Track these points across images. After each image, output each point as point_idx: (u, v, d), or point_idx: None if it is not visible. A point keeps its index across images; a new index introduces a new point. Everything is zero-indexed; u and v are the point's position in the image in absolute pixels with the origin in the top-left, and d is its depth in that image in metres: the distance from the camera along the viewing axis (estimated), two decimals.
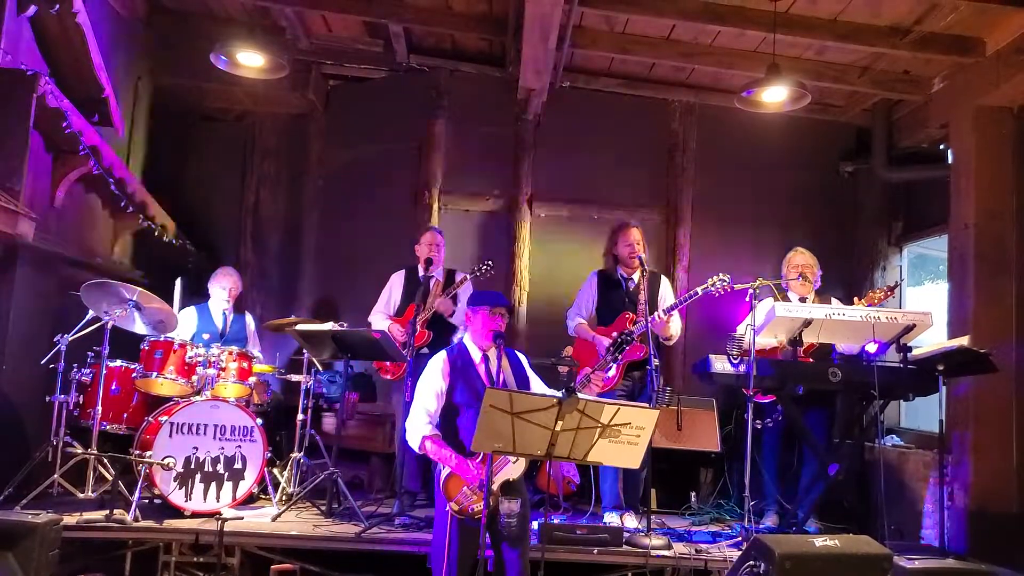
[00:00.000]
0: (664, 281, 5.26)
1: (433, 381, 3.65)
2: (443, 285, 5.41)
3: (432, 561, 3.58)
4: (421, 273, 5.39)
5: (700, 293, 4.82)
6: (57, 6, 4.39)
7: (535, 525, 4.08)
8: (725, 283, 4.76)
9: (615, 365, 4.80)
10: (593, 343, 5.06)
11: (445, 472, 3.51)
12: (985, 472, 5.08)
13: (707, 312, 6.21)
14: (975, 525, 4.99)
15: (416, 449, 3.61)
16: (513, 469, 3.46)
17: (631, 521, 4.82)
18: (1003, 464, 5.08)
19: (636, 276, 5.14)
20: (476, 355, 3.71)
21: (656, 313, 4.91)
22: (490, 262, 5.31)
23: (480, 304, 3.71)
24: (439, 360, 3.70)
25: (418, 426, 3.59)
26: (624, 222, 5.31)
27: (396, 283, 5.52)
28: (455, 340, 3.92)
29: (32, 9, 4.34)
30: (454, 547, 3.41)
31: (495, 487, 3.38)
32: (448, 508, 3.45)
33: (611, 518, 4.83)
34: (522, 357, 3.86)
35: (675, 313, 5.01)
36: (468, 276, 5.29)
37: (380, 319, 5.47)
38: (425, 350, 5.17)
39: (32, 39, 4.63)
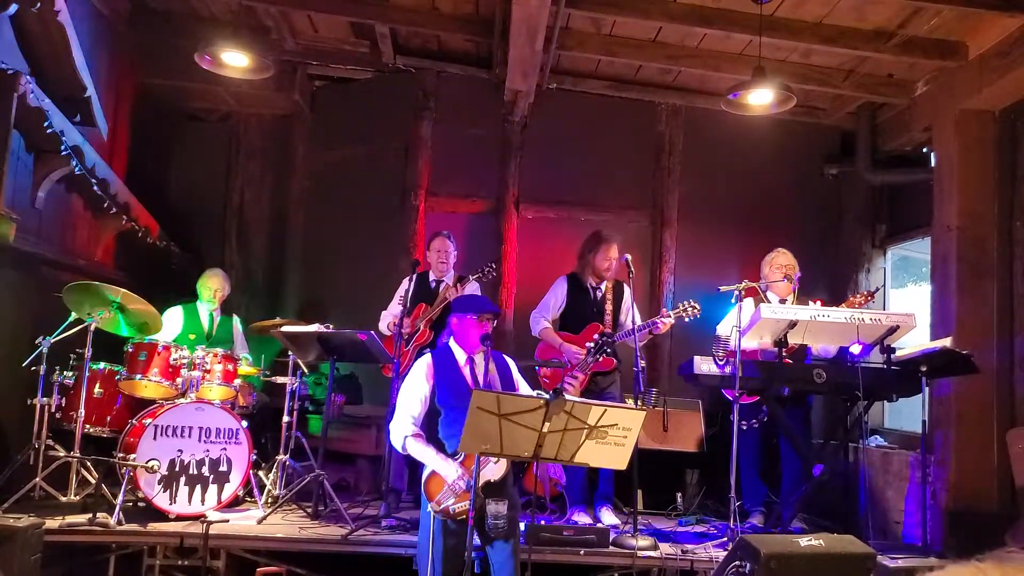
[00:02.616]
0: (627, 290, 5.25)
1: (417, 385, 3.64)
2: (452, 287, 5.41)
3: (418, 561, 3.58)
4: (432, 278, 5.46)
5: (672, 316, 4.91)
6: (38, 4, 4.34)
7: (522, 526, 4.09)
8: (696, 310, 4.88)
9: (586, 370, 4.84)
10: (559, 351, 5.08)
11: (427, 472, 3.51)
12: (967, 472, 5.14)
13: (687, 320, 6.22)
14: (957, 524, 5.04)
15: (399, 450, 3.61)
16: (494, 470, 3.45)
17: (609, 517, 4.89)
18: (984, 464, 5.13)
19: (603, 286, 5.22)
20: (461, 358, 3.70)
21: (659, 319, 4.95)
22: (493, 264, 5.38)
23: (467, 311, 3.69)
24: (422, 363, 3.69)
25: (401, 428, 3.59)
26: (607, 234, 5.25)
27: (407, 287, 5.47)
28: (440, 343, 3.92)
29: (12, 7, 4.29)
30: (438, 547, 3.41)
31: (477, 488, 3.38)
32: (430, 508, 3.44)
33: (580, 517, 4.86)
34: (510, 361, 3.86)
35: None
36: (470, 278, 5.30)
37: (385, 319, 5.45)
38: (427, 350, 5.18)
39: (12, 38, 4.58)
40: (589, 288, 5.22)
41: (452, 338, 3.76)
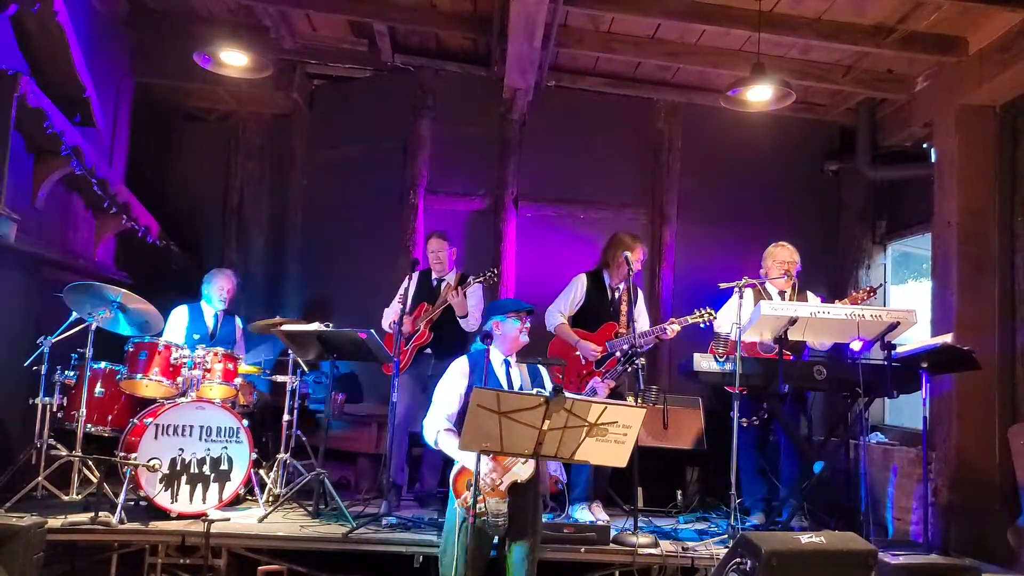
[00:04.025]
0: (640, 292, 5.37)
1: (454, 383, 3.72)
2: (454, 288, 5.40)
3: (441, 556, 3.60)
4: (434, 277, 5.50)
5: (689, 322, 4.99)
6: (38, 5, 4.35)
7: None
8: (712, 315, 4.97)
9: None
10: (575, 347, 5.12)
11: (457, 468, 3.54)
12: (968, 468, 5.13)
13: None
14: (958, 521, 5.04)
15: (432, 445, 3.68)
16: (523, 470, 3.45)
17: (599, 511, 4.90)
18: (985, 460, 5.13)
19: (621, 286, 5.26)
20: (497, 359, 3.78)
21: (667, 326, 5.01)
22: (495, 269, 5.43)
23: (507, 311, 3.78)
24: (460, 362, 3.78)
25: (435, 423, 3.66)
26: (636, 236, 5.36)
27: (409, 286, 5.49)
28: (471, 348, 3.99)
29: (12, 8, 4.30)
30: (462, 543, 3.42)
31: (503, 487, 3.40)
32: (457, 505, 3.47)
33: (581, 515, 4.87)
34: (544, 371, 3.90)
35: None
36: (473, 280, 5.31)
37: (387, 316, 5.47)
38: (428, 350, 5.26)
39: (12, 38, 4.59)
40: (609, 288, 5.27)
41: (491, 342, 3.80)
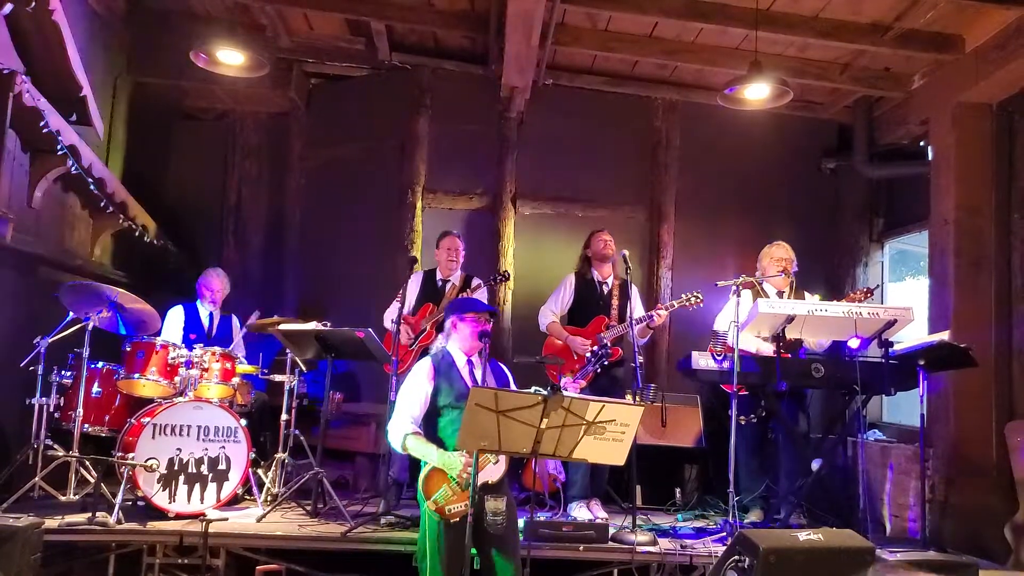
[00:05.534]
0: (634, 288, 5.37)
1: (418, 385, 3.65)
2: (459, 289, 5.41)
3: (419, 560, 3.58)
4: (439, 277, 5.47)
5: (676, 306, 5.06)
6: (33, 4, 4.32)
7: (521, 523, 4.09)
8: (699, 300, 5.05)
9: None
10: (565, 344, 5.18)
11: (426, 470, 3.50)
12: (965, 465, 5.15)
13: (691, 310, 6.24)
14: (956, 517, 5.05)
15: (398, 449, 3.62)
16: (493, 471, 3.46)
17: (598, 510, 4.90)
18: (982, 457, 5.14)
19: (610, 280, 5.33)
20: (460, 359, 3.72)
21: (655, 312, 5.06)
22: (506, 272, 5.48)
23: (466, 311, 3.74)
24: (423, 364, 3.71)
25: (401, 427, 3.59)
26: (595, 228, 5.54)
27: (413, 285, 5.48)
28: (436, 347, 3.94)
29: (7, 7, 4.28)
30: (438, 547, 3.40)
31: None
32: (426, 507, 3.44)
33: (580, 513, 4.87)
34: (507, 370, 3.88)
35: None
36: (483, 284, 5.30)
37: (388, 316, 5.45)
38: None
39: (7, 37, 4.57)
40: (596, 283, 5.33)
41: (451, 342, 3.77)
